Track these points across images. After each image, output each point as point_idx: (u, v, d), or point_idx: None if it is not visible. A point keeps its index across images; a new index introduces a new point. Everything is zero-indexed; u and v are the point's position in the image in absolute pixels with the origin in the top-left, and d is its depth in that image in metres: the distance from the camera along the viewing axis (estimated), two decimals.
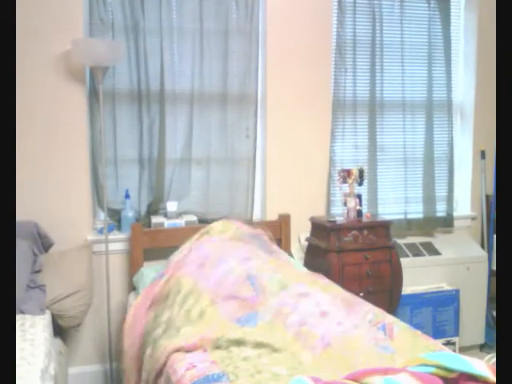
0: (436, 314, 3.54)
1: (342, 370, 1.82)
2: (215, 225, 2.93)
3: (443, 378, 1.59)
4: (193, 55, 3.29)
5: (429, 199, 3.81)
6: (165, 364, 1.93)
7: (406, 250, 3.66)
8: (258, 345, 1.94)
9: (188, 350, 1.94)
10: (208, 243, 2.66)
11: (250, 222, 3.38)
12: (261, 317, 2.11)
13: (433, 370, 1.60)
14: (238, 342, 1.95)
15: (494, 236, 3.87)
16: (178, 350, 1.94)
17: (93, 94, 3.13)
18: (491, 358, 1.93)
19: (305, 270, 3.08)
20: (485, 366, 1.63)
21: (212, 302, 2.24)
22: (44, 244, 2.96)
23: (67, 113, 3.09)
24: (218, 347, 1.94)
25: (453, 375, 1.60)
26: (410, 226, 3.77)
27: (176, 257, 2.67)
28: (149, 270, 3.03)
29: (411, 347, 1.96)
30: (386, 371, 1.62)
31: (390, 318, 2.18)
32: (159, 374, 1.95)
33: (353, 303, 2.27)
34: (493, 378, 1.59)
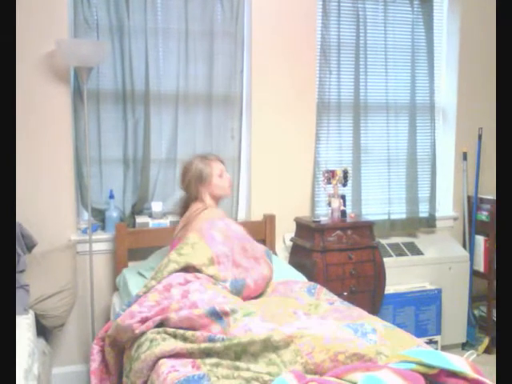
0: (418, 313, 3.58)
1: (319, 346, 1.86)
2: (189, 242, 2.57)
3: (424, 375, 1.62)
4: (178, 56, 3.29)
5: (412, 200, 3.85)
6: (150, 373, 1.95)
7: (390, 249, 3.69)
8: (231, 346, 1.95)
9: (170, 357, 1.95)
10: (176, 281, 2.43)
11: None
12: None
13: (414, 366, 1.63)
14: (209, 348, 1.95)
15: (476, 236, 3.92)
16: (160, 358, 1.96)
17: (77, 94, 3.12)
18: (470, 354, 1.96)
19: (290, 267, 3.10)
20: (464, 362, 1.67)
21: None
22: (27, 244, 2.94)
23: (51, 113, 3.08)
24: (195, 354, 1.95)
25: (433, 371, 1.63)
26: (393, 226, 3.81)
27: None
28: (131, 272, 3.02)
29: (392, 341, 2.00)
30: (367, 368, 1.64)
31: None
32: (145, 382, 1.97)
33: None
34: (472, 374, 1.62)
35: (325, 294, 2.62)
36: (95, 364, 2.35)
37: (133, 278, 2.92)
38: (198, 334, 2.03)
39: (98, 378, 2.34)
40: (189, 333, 2.05)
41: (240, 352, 1.91)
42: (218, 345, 1.93)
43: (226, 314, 2.13)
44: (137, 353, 2.09)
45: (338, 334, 1.97)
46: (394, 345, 1.96)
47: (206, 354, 1.94)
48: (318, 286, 2.72)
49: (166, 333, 2.09)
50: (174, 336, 2.07)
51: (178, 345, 1.99)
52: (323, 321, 2.15)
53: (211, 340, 1.98)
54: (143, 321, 2.16)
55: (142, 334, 2.16)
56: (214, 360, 1.90)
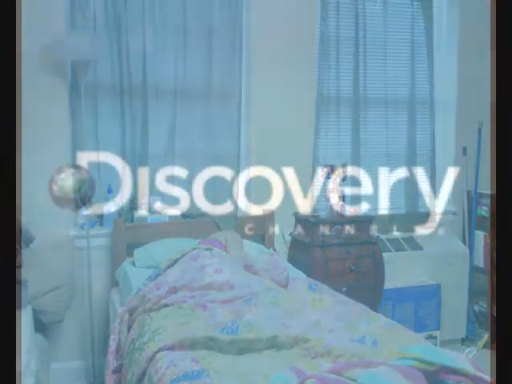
0: (418, 309, 3.57)
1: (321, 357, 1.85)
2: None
3: (423, 371, 1.61)
4: (176, 51, 3.27)
5: (411, 195, 3.83)
6: (148, 365, 1.94)
7: (389, 244, 3.68)
8: (237, 341, 1.94)
9: (169, 349, 1.94)
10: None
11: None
12: (243, 323, 2.05)
13: (413, 363, 1.62)
14: (214, 339, 1.95)
15: (475, 231, 3.91)
16: (159, 351, 1.94)
17: (74, 89, 3.10)
18: (471, 351, 1.96)
19: (288, 265, 3.09)
20: (464, 359, 1.66)
21: (199, 307, 2.28)
22: (25, 239, 2.93)
23: (48, 107, 3.06)
24: (197, 344, 1.94)
25: (433, 368, 1.62)
26: (392, 221, 3.80)
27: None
28: (131, 264, 3.02)
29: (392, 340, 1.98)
30: (367, 364, 1.63)
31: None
32: (143, 374, 1.96)
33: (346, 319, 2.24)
34: (472, 371, 1.61)
35: (327, 290, 2.63)
36: (115, 344, 2.38)
37: (134, 270, 2.91)
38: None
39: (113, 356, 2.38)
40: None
41: (244, 348, 1.92)
42: (224, 337, 1.94)
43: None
44: (138, 342, 2.09)
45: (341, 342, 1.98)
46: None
47: (209, 347, 1.93)
48: (319, 283, 2.71)
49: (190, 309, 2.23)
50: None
51: (182, 335, 1.97)
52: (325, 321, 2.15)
53: (224, 330, 1.99)
54: (171, 291, 2.36)
55: (148, 318, 2.24)
56: (214, 355, 1.89)
